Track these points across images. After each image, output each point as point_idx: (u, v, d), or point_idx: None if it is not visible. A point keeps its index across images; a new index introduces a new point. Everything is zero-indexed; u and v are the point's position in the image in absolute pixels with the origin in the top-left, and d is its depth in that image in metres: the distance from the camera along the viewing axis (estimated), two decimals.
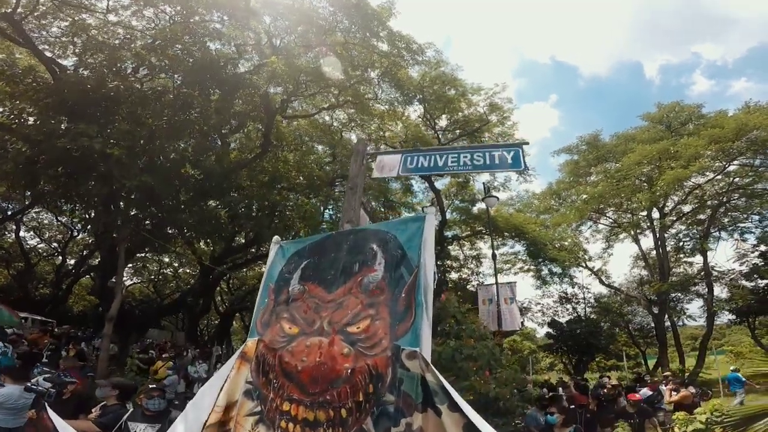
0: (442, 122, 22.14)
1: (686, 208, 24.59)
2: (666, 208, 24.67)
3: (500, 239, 25.10)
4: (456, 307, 7.41)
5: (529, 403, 8.08)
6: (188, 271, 29.80)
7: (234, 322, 27.85)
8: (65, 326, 20.08)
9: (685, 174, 20.53)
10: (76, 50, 13.39)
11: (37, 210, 24.96)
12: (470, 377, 6.08)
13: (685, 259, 26.10)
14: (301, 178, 18.16)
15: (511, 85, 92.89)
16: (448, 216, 24.39)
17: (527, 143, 5.09)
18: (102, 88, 12.01)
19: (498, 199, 19.11)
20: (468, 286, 24.83)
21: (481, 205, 22.25)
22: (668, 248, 25.38)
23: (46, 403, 4.22)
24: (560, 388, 13.29)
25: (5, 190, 18.19)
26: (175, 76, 13.67)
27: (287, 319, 3.18)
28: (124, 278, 21.09)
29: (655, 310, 25.45)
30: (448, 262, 25.16)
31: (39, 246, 29.17)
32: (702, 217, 24.22)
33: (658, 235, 24.94)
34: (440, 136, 21.54)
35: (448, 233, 24.89)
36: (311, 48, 15.63)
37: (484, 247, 27.45)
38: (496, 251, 17.47)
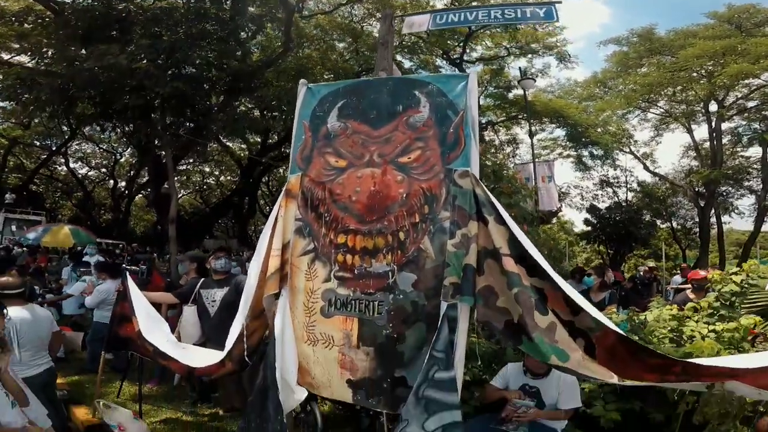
0: None
1: (750, 104, 22.80)
2: (726, 101, 22.89)
3: (538, 124, 24.20)
4: (494, 162, 7.24)
5: (564, 278, 8.21)
6: (229, 178, 30.80)
7: None
8: (133, 244, 21.79)
9: (751, 69, 18.87)
10: None
11: (78, 142, 26.27)
12: None
13: (741, 153, 24.72)
14: (325, 73, 17.87)
15: None
16: (481, 102, 23.39)
17: (560, 2, 4.85)
18: (112, 11, 11.94)
19: (535, 80, 18.23)
20: (504, 171, 24.37)
21: (518, 92, 21.38)
22: (724, 141, 23.83)
23: (127, 273, 4.64)
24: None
25: (47, 119, 18.98)
26: None
27: (332, 153, 3.21)
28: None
29: (702, 204, 24.47)
30: (482, 146, 24.61)
31: (90, 174, 30.82)
32: (767, 113, 22.48)
33: (714, 125, 23.35)
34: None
35: (482, 119, 24.15)
36: None
37: (520, 132, 26.57)
38: (533, 137, 16.99)
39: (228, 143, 22.54)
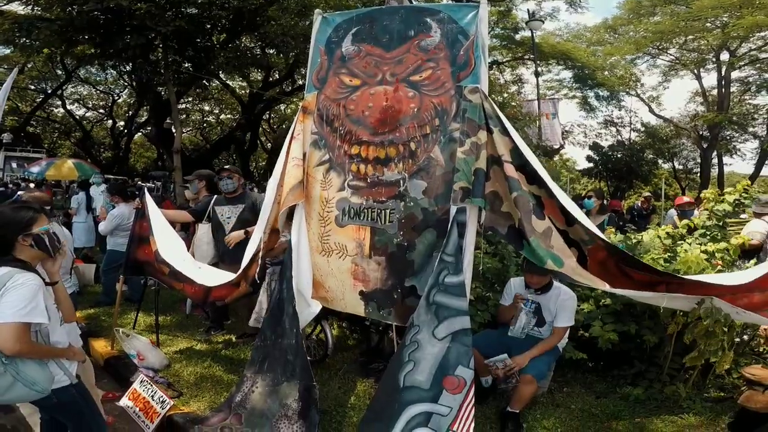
0: None
1: (763, 55, 22.10)
2: (738, 52, 22.33)
3: (544, 65, 23.73)
4: (499, 91, 7.17)
5: None
6: (230, 116, 30.42)
7: None
8: (136, 179, 21.81)
9: (766, 22, 18.18)
10: None
11: (73, 84, 25.93)
12: None
13: (749, 101, 24.41)
14: (329, 11, 17.39)
15: None
16: (487, 43, 22.86)
17: None
18: None
19: (543, 22, 17.79)
20: (507, 109, 24.24)
21: (525, 34, 20.83)
22: (732, 89, 23.55)
23: (145, 189, 4.59)
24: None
25: (42, 63, 18.59)
26: None
27: (346, 73, 3.32)
28: (172, 127, 21.99)
29: (705, 146, 24.44)
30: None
31: (88, 114, 30.58)
32: None
33: (724, 73, 23.00)
34: None
35: (488, 58, 23.63)
36: None
37: (526, 72, 26.38)
38: (539, 78, 16.69)
39: (228, 81, 22.21)
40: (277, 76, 21.81)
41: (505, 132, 2.85)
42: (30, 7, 12.47)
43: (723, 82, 23.27)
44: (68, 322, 2.45)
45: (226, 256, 4.57)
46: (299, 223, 3.34)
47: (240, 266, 3.65)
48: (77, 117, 28.55)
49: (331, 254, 3.29)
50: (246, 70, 19.28)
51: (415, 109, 3.03)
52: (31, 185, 13.63)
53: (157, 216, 4.33)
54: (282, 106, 26.49)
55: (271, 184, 3.52)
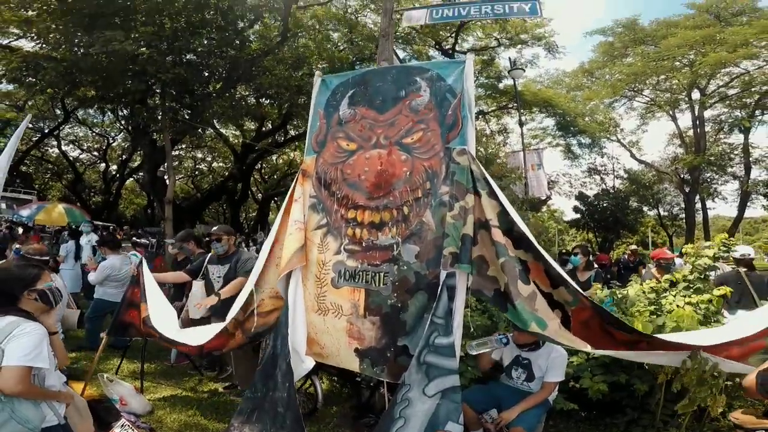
0: None
1: (731, 92, 23.29)
2: (708, 90, 23.43)
3: (528, 113, 24.52)
4: (486, 150, 7.43)
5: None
6: (222, 164, 30.79)
7: (270, 213, 29.22)
8: (125, 227, 21.72)
9: (729, 58, 19.31)
10: None
11: (71, 125, 26.39)
12: None
13: (724, 140, 25.28)
14: (321, 62, 18.04)
15: None
16: (473, 99, 23.61)
17: None
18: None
19: (524, 70, 18.44)
20: (493, 166, 24.75)
21: (508, 82, 21.60)
22: (707, 128, 24.45)
23: (143, 258, 4.65)
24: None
25: (43, 102, 18.91)
26: None
27: (343, 137, 3.48)
28: (165, 175, 22.11)
29: (687, 190, 25.06)
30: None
31: (81, 156, 30.77)
32: (748, 101, 22.90)
33: (697, 113, 23.97)
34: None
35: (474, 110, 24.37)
36: None
37: (510, 122, 27.00)
38: (523, 126, 17.23)
39: (222, 130, 22.70)
40: (270, 126, 22.34)
41: (492, 195, 2.96)
42: (39, 46, 12.89)
43: (698, 122, 24.15)
44: (63, 366, 2.67)
45: (218, 311, 4.59)
46: (296, 284, 3.40)
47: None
48: (71, 158, 28.70)
49: (327, 313, 3.35)
50: (240, 120, 19.77)
51: (408, 173, 3.17)
52: (19, 230, 13.62)
53: (151, 284, 4.41)
54: (273, 157, 26.94)
55: (267, 241, 3.63)
